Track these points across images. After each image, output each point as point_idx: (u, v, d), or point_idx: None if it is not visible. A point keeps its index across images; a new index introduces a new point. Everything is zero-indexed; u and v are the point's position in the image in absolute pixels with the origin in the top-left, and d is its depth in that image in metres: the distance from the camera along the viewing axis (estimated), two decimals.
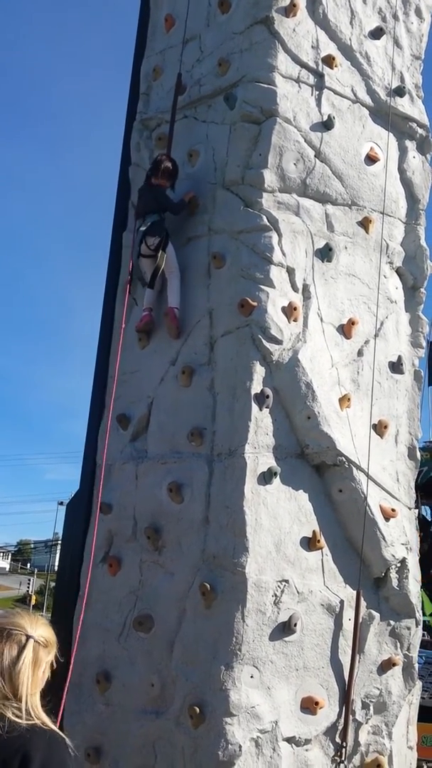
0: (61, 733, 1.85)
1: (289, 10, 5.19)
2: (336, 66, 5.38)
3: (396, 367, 5.33)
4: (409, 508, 5.20)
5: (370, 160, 5.46)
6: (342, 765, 4.37)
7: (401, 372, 5.35)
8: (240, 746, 4.01)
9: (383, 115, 5.57)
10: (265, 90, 5.06)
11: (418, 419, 5.47)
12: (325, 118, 5.23)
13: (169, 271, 5.09)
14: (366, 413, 4.97)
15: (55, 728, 1.85)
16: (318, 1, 5.37)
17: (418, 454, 5.44)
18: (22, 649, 1.89)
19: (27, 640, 1.90)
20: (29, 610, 2.21)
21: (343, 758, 4.37)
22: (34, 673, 1.88)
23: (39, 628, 1.96)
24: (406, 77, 5.85)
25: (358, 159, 5.40)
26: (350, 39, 5.53)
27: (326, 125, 5.24)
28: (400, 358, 5.36)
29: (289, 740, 4.22)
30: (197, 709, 4.09)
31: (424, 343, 5.73)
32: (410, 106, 5.79)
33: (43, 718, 1.84)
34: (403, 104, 5.74)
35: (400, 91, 5.70)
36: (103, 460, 5.08)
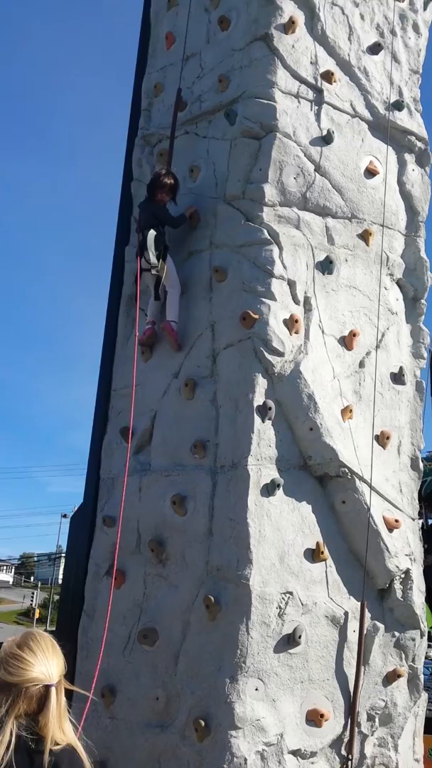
0: (82, 752, 1.93)
1: (288, 27, 5.26)
2: (335, 81, 5.45)
3: (398, 378, 5.35)
4: (413, 519, 5.20)
5: (370, 173, 5.52)
6: None
7: (403, 383, 5.38)
8: (245, 759, 4.00)
9: (382, 128, 5.63)
10: (265, 106, 5.12)
11: (421, 430, 5.49)
12: (325, 132, 5.29)
13: (169, 284, 5.14)
14: (368, 424, 4.99)
15: (80, 748, 1.91)
16: (317, 18, 5.44)
17: (421, 465, 5.45)
18: (43, 700, 1.88)
19: (47, 690, 1.88)
20: (33, 628, 2.15)
21: None
22: (59, 713, 1.90)
23: (52, 665, 1.92)
24: (405, 91, 5.92)
25: (357, 172, 5.46)
26: (349, 54, 5.60)
27: (326, 140, 5.29)
28: (401, 369, 5.38)
29: (295, 753, 4.21)
30: (202, 722, 4.08)
31: (426, 354, 5.75)
32: (409, 120, 5.85)
33: (70, 740, 1.90)
34: (402, 118, 5.80)
35: (398, 105, 5.77)
36: (125, 474, 5.08)
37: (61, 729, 1.89)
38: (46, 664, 1.91)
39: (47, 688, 1.87)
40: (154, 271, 5.11)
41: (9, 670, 1.87)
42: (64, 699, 1.94)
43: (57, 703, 1.88)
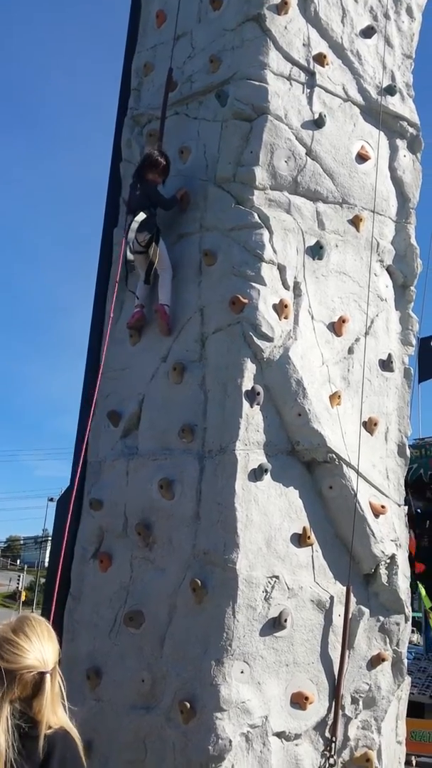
0: (76, 734, 1.97)
1: (281, 8, 5.19)
2: (327, 64, 5.40)
3: (386, 364, 5.36)
4: (399, 505, 5.24)
5: (361, 158, 5.48)
6: (331, 759, 4.40)
7: (391, 370, 5.38)
8: (230, 741, 4.03)
9: (374, 113, 5.60)
10: (257, 87, 5.07)
11: (408, 416, 5.51)
12: (317, 116, 5.24)
13: (161, 267, 5.08)
14: (356, 410, 5.00)
15: (73, 731, 1.95)
16: None
17: (408, 451, 5.48)
18: (38, 685, 1.90)
19: (41, 676, 1.90)
20: (29, 612, 2.13)
21: (332, 753, 4.40)
22: (53, 698, 1.92)
23: (47, 651, 1.93)
24: (397, 76, 5.88)
25: (349, 157, 5.42)
26: (341, 37, 5.55)
27: (317, 123, 5.25)
28: (390, 355, 5.39)
29: (279, 735, 4.25)
30: (188, 705, 4.11)
31: (414, 341, 5.76)
32: (401, 105, 5.82)
33: (63, 723, 1.93)
34: (394, 103, 5.77)
35: (391, 90, 5.73)
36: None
37: (55, 713, 1.91)
38: (41, 650, 1.92)
39: (42, 674, 1.89)
40: (145, 254, 5.05)
41: (4, 656, 1.88)
42: (58, 684, 1.96)
43: (51, 688, 1.91)
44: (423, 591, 9.64)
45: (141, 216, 5.07)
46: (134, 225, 5.06)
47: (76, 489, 5.49)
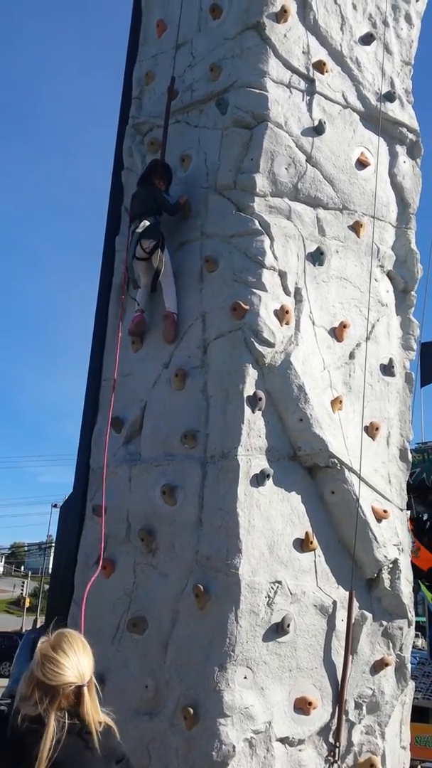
0: (115, 729, 2.25)
1: (280, 16, 5.23)
2: (327, 71, 5.43)
3: (387, 369, 5.37)
4: (401, 510, 5.24)
5: (361, 164, 5.51)
6: (335, 765, 4.40)
7: (392, 374, 5.40)
8: (234, 747, 4.03)
9: (374, 120, 5.62)
10: (257, 95, 5.10)
11: (410, 421, 5.52)
12: (316, 123, 5.28)
13: (165, 275, 5.10)
14: (358, 415, 5.01)
15: (114, 726, 2.23)
16: (309, 7, 5.42)
17: (410, 456, 5.48)
18: (78, 696, 2.11)
19: (80, 690, 2.11)
20: (65, 628, 2.34)
21: (336, 758, 4.40)
22: (93, 703, 2.15)
23: (83, 665, 2.14)
24: (396, 82, 5.91)
25: (349, 163, 5.45)
26: (341, 45, 5.59)
27: (317, 130, 5.28)
28: (391, 360, 5.40)
29: (283, 740, 4.24)
30: (191, 710, 4.11)
31: (415, 346, 5.78)
32: (400, 111, 5.85)
33: (105, 720, 2.19)
34: (394, 109, 5.80)
35: (390, 97, 5.76)
36: (104, 462, 5.06)
37: (98, 713, 2.16)
38: (78, 665, 2.13)
39: (80, 687, 2.11)
40: (148, 261, 5.05)
41: (46, 673, 2.09)
42: (95, 689, 2.18)
43: (90, 696, 2.13)
44: (426, 589, 9.61)
45: (146, 222, 5.09)
46: (139, 231, 5.08)
47: (80, 495, 5.51)
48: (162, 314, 5.09)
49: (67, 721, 2.07)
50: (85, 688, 2.12)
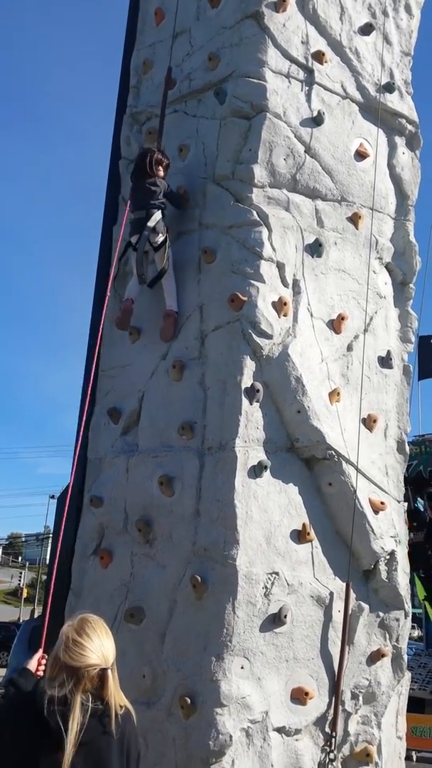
0: (133, 712, 2.31)
1: (279, 5, 5.20)
2: (326, 62, 5.40)
3: (385, 361, 5.37)
4: (399, 501, 5.25)
5: (360, 155, 5.49)
6: (332, 754, 4.42)
7: (390, 367, 5.40)
8: (230, 736, 4.05)
9: (373, 111, 5.60)
10: (255, 85, 5.08)
11: (408, 413, 5.53)
12: (315, 113, 5.25)
13: (168, 272, 5.01)
14: (355, 407, 5.02)
15: (132, 710, 2.30)
16: None
17: (407, 448, 5.49)
18: (102, 679, 2.19)
19: (104, 672, 2.19)
20: (87, 612, 2.43)
21: (332, 748, 4.42)
22: (115, 686, 2.23)
23: (107, 648, 2.22)
24: (396, 73, 5.88)
25: (347, 155, 5.43)
26: (340, 35, 5.55)
27: (316, 121, 5.26)
28: (389, 352, 5.40)
29: (279, 730, 4.27)
30: (188, 700, 4.13)
31: (413, 338, 5.77)
32: (399, 102, 5.82)
33: (125, 703, 2.28)
34: (393, 100, 5.77)
35: (389, 87, 5.73)
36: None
37: (120, 697, 2.25)
38: (101, 648, 2.21)
39: (104, 670, 2.19)
40: (145, 255, 4.96)
41: (71, 655, 2.17)
42: (116, 673, 2.26)
43: (113, 679, 2.22)
44: (419, 582, 9.66)
45: (158, 215, 4.96)
46: (151, 224, 4.94)
47: (76, 486, 5.51)
48: (163, 312, 5.00)
49: (91, 705, 2.14)
50: (109, 671, 2.19)
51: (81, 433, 4.78)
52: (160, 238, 4.95)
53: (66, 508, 4.48)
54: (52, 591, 4.11)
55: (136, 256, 5.02)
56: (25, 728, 2.11)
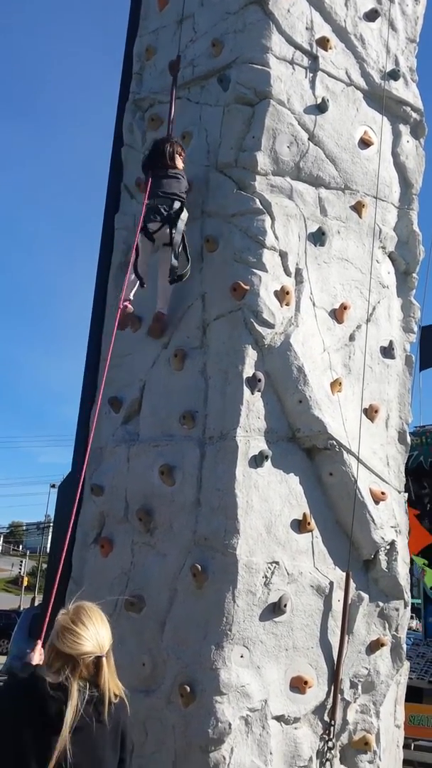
0: (127, 702, 2.33)
1: None
2: (330, 48, 5.35)
3: (387, 351, 5.35)
4: (399, 492, 5.25)
5: (364, 143, 5.45)
6: (330, 743, 4.44)
7: (392, 357, 5.38)
8: (230, 724, 4.06)
9: (377, 98, 5.55)
10: (259, 71, 5.03)
11: (409, 404, 5.51)
12: (319, 100, 5.20)
13: (164, 271, 4.88)
14: (357, 397, 5.00)
15: (125, 697, 2.31)
16: None
17: (409, 439, 5.48)
18: (98, 666, 2.20)
19: (99, 660, 2.20)
20: (83, 601, 2.43)
21: (331, 736, 4.44)
22: (111, 673, 2.24)
23: (102, 636, 2.23)
24: (401, 60, 5.82)
25: (351, 142, 5.39)
26: (345, 21, 5.49)
27: (320, 108, 5.21)
28: (391, 343, 5.38)
29: (279, 718, 4.28)
30: (188, 688, 4.14)
31: (416, 328, 5.75)
32: (404, 90, 5.77)
33: (120, 692, 2.29)
34: (398, 88, 5.72)
35: (394, 75, 5.68)
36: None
37: (116, 685, 2.26)
38: (96, 636, 2.22)
39: (99, 658, 2.20)
40: (178, 269, 4.75)
41: (66, 643, 2.18)
42: (112, 660, 2.27)
43: (108, 667, 2.23)
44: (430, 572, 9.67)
45: (185, 215, 4.79)
46: (181, 225, 4.75)
47: (81, 475, 5.50)
48: (155, 314, 4.96)
49: (87, 693, 2.16)
50: (104, 659, 2.21)
51: (93, 425, 4.60)
52: (178, 238, 4.77)
53: (78, 495, 4.41)
54: (58, 578, 4.08)
55: (139, 252, 4.77)
56: (24, 715, 2.12)
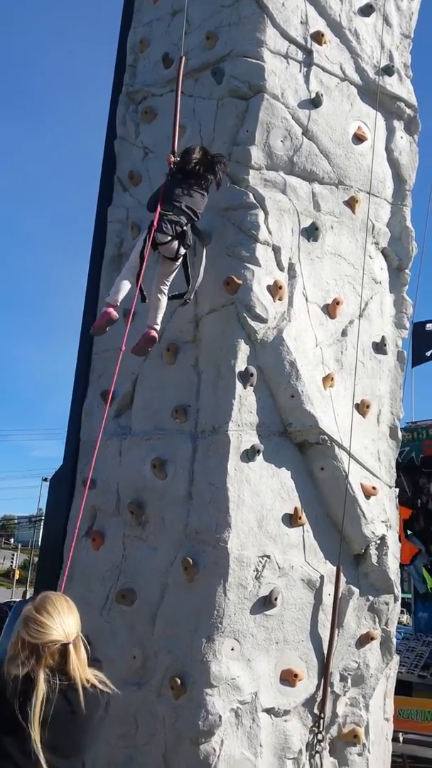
0: (103, 690, 2.25)
1: None
2: (325, 43, 5.34)
3: (379, 347, 5.36)
4: (390, 487, 5.27)
5: (358, 139, 5.44)
6: (320, 735, 4.47)
7: (384, 352, 5.39)
8: (220, 716, 4.08)
9: (371, 93, 5.55)
10: (253, 65, 5.01)
11: (401, 399, 5.52)
12: (313, 95, 5.20)
13: (163, 288, 4.61)
14: (349, 393, 5.02)
15: (98, 684, 2.23)
16: None
17: (400, 434, 5.50)
18: (65, 654, 2.16)
19: (65, 648, 2.16)
20: (50, 591, 2.41)
21: (321, 729, 4.47)
22: (80, 661, 2.18)
23: (68, 624, 2.19)
24: (395, 56, 5.82)
25: (345, 138, 5.38)
26: (339, 15, 5.48)
27: (314, 102, 5.20)
28: (383, 338, 5.39)
29: (269, 711, 4.31)
30: (178, 681, 4.16)
31: (408, 324, 5.76)
32: (399, 86, 5.76)
33: (93, 681, 2.23)
34: (392, 83, 5.71)
35: (388, 70, 5.67)
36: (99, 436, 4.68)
37: (86, 672, 2.20)
38: (62, 624, 2.18)
39: (65, 645, 2.16)
40: (187, 293, 4.57)
41: (30, 633, 2.15)
42: (83, 648, 2.22)
43: (77, 654, 2.18)
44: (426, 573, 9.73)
45: (190, 232, 4.53)
46: (188, 242, 4.52)
47: (70, 469, 5.50)
48: (146, 331, 4.53)
49: (57, 681, 2.12)
50: (71, 646, 2.16)
51: (104, 419, 4.22)
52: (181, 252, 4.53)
53: (86, 489, 4.35)
54: (66, 575, 4.03)
55: (141, 263, 4.48)
56: None
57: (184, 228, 4.51)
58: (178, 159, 4.70)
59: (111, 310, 4.58)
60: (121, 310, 4.75)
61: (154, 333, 4.55)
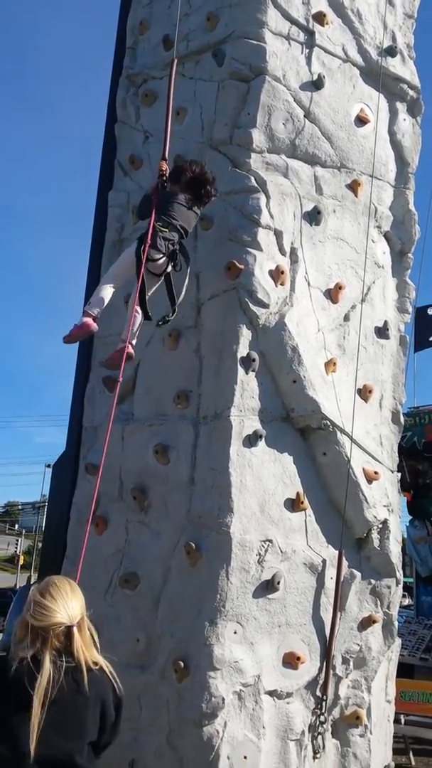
0: (109, 673, 2.29)
1: None
2: (327, 23, 5.27)
3: (382, 332, 5.35)
4: (392, 471, 5.28)
5: (360, 121, 5.39)
6: (322, 717, 4.51)
7: (387, 337, 5.37)
8: (223, 699, 4.12)
9: (374, 75, 5.49)
10: (255, 47, 4.96)
11: (403, 384, 5.52)
12: (315, 77, 5.14)
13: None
14: (351, 378, 5.01)
15: (106, 669, 2.27)
16: None
17: (402, 419, 5.50)
18: (70, 636, 2.19)
19: (69, 630, 2.18)
20: (54, 575, 2.43)
21: (323, 711, 4.51)
22: (85, 643, 2.22)
23: (72, 607, 2.21)
24: (398, 37, 5.75)
25: (348, 120, 5.33)
26: None
27: (316, 84, 5.15)
28: (386, 323, 5.37)
29: (271, 693, 4.34)
30: (182, 664, 4.19)
31: (411, 309, 5.74)
32: (401, 67, 5.70)
33: (101, 662, 2.26)
34: (395, 65, 5.65)
35: (391, 51, 5.61)
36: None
37: (92, 655, 2.23)
38: (65, 607, 2.21)
39: (69, 628, 2.18)
40: (170, 314, 4.43)
41: (35, 616, 2.18)
42: (88, 631, 2.25)
43: (81, 637, 2.21)
44: None
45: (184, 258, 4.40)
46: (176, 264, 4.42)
47: (73, 454, 5.51)
48: (122, 345, 4.28)
49: (63, 663, 2.15)
50: (75, 628, 2.19)
51: (113, 409, 4.08)
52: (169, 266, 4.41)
53: (99, 474, 4.22)
54: (83, 564, 4.00)
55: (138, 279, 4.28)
56: (2, 693, 2.13)
57: (175, 246, 4.41)
58: (171, 169, 4.54)
59: (89, 320, 4.36)
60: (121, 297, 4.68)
61: (130, 349, 4.31)
